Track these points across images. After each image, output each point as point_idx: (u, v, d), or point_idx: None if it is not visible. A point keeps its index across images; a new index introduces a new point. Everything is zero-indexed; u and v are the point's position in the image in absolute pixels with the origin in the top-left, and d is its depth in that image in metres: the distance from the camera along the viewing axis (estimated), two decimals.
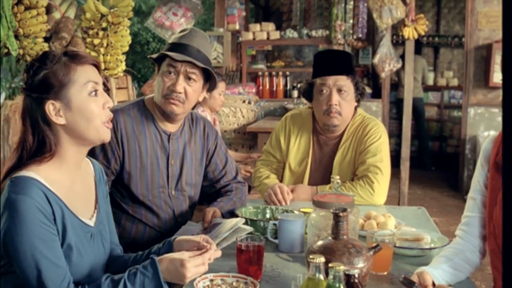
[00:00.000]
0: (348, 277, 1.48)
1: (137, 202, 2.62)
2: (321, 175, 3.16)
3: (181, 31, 2.69)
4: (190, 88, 2.56)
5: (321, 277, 1.45)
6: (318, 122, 3.17)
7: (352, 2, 8.42)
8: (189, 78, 2.56)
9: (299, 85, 7.38)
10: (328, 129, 3.12)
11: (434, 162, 9.22)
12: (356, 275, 1.49)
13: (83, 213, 1.87)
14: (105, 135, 1.88)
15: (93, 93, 1.83)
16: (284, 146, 3.25)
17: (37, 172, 1.74)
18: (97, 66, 1.90)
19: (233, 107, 6.83)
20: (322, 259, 1.47)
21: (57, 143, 1.81)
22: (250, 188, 4.17)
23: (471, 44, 7.18)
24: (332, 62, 3.05)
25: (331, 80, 3.01)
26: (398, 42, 9.19)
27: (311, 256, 1.49)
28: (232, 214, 2.61)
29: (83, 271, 1.82)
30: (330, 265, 1.42)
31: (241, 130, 6.83)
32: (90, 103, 1.82)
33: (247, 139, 6.87)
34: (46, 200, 1.71)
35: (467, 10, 7.21)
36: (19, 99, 3.19)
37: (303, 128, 3.22)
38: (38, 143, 1.80)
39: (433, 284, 1.82)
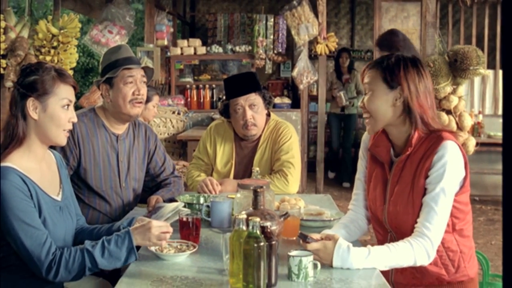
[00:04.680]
0: (263, 228, 2.02)
1: (93, 192, 3.11)
2: (243, 172, 3.69)
3: (112, 49, 3.21)
4: (144, 89, 3.12)
5: (244, 228, 2.01)
6: (237, 132, 3.72)
7: (272, 20, 9.04)
8: (142, 82, 3.12)
9: (224, 97, 7.81)
10: (247, 138, 3.69)
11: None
12: (269, 227, 2.05)
13: (51, 191, 2.35)
14: (62, 141, 2.36)
15: (66, 106, 2.32)
16: (211, 152, 3.76)
17: (12, 162, 2.20)
18: (75, 88, 2.38)
19: (163, 118, 7.17)
20: (244, 216, 2.04)
21: (26, 133, 2.27)
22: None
23: None
24: (240, 85, 3.60)
25: (242, 99, 3.55)
26: (316, 56, 9.71)
27: (236, 215, 2.06)
28: (171, 201, 3.08)
29: (59, 238, 2.31)
30: (249, 218, 1.98)
31: (172, 139, 7.19)
32: (61, 113, 2.31)
33: (177, 147, 7.22)
34: (22, 181, 2.18)
35: (375, 27, 7.76)
36: None
37: (226, 135, 3.75)
38: (14, 128, 2.26)
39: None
